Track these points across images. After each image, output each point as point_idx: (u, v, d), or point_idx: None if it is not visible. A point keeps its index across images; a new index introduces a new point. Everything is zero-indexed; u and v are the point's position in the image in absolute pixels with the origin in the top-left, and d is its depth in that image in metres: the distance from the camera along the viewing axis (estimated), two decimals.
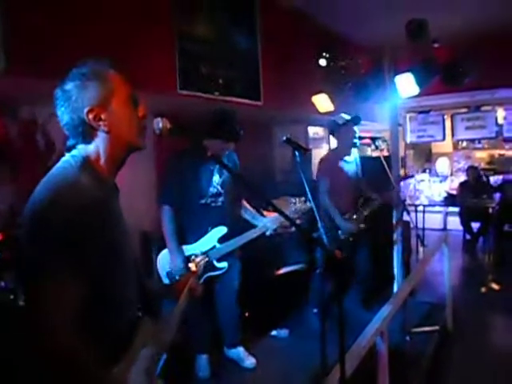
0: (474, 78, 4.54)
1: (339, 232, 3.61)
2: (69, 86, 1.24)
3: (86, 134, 1.25)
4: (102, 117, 1.25)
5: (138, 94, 1.39)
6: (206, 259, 2.62)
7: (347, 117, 3.79)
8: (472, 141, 9.69)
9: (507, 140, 9.21)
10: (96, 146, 1.27)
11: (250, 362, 3.21)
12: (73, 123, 1.24)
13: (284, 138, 2.41)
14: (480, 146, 9.82)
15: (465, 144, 9.87)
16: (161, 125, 1.39)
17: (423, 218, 7.74)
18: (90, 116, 1.23)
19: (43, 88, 3.19)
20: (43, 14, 2.89)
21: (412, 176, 6.13)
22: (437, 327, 3.66)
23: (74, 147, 1.29)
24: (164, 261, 2.93)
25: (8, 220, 2.79)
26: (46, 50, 2.97)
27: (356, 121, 3.76)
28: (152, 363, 1.33)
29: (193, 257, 2.66)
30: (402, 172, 9.39)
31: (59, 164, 1.26)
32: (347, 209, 3.73)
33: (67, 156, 1.27)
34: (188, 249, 2.92)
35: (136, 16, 3.43)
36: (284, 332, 3.72)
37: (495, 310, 4.47)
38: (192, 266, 1.93)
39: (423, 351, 3.32)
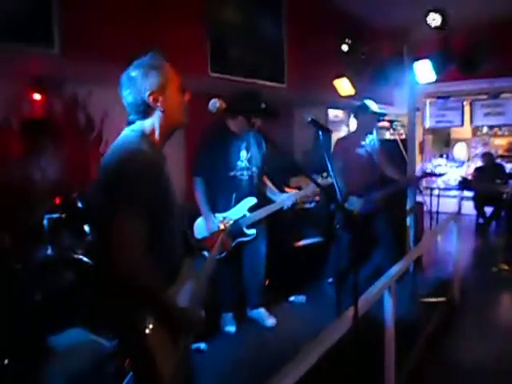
0: (491, 65, 4.71)
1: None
2: (134, 73, 1.56)
3: (145, 112, 1.57)
4: (160, 99, 1.56)
5: None
6: (232, 221, 2.92)
7: (375, 107, 3.96)
8: (492, 127, 9.75)
9: None
10: (152, 122, 1.59)
11: (270, 321, 3.55)
12: (135, 103, 1.56)
13: (309, 119, 2.65)
14: (500, 132, 9.88)
15: (485, 130, 9.93)
16: (217, 105, 1.69)
17: (438, 201, 7.94)
18: (151, 98, 1.55)
19: (86, 69, 3.54)
20: (89, 11, 3.22)
21: (440, 175, 6.11)
22: (444, 299, 3.94)
23: (133, 122, 1.61)
24: (199, 227, 3.27)
25: (59, 187, 3.14)
26: (92, 36, 3.29)
27: (380, 116, 3.98)
28: (194, 294, 1.66)
29: (221, 219, 2.99)
30: (418, 159, 9.56)
31: (122, 136, 1.59)
32: (360, 190, 3.94)
33: (127, 130, 1.60)
34: (220, 216, 3.25)
35: (171, 5, 3.72)
36: (301, 298, 4.05)
37: (503, 289, 4.71)
38: (221, 225, 2.25)
39: (429, 319, 3.61)
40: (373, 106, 3.97)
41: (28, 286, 2.51)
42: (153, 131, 1.58)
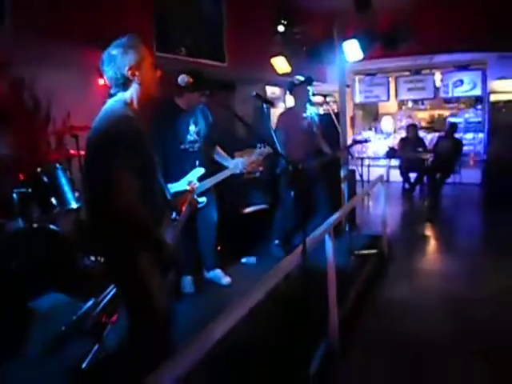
0: (411, 44, 5.27)
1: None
2: (114, 51, 1.85)
3: (125, 84, 1.87)
4: (137, 73, 1.87)
5: None
6: (197, 184, 3.23)
7: (302, 78, 4.41)
8: (416, 102, 10.61)
9: (446, 101, 10.21)
10: (131, 94, 1.89)
11: (226, 280, 3.90)
12: (116, 77, 1.85)
13: (254, 93, 2.97)
14: (423, 106, 10.77)
15: (410, 105, 10.78)
16: (186, 79, 1.98)
17: (368, 170, 8.68)
18: (129, 72, 1.85)
19: (34, 48, 3.62)
20: None
21: (367, 141, 6.70)
22: (375, 251, 4.51)
23: (115, 95, 1.91)
24: None
25: (17, 164, 3.27)
26: (41, 13, 3.39)
27: (309, 81, 4.39)
28: (174, 238, 1.99)
29: (189, 182, 3.28)
30: (350, 132, 10.23)
31: (108, 105, 1.87)
32: (300, 158, 4.35)
33: (112, 100, 1.89)
34: (173, 186, 3.52)
35: None
36: (252, 259, 4.43)
37: (423, 242, 5.42)
38: (189, 187, 2.56)
39: (363, 267, 4.15)
40: (299, 78, 4.41)
41: (3, 256, 2.68)
42: (132, 100, 1.89)
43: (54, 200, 3.08)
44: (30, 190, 2.94)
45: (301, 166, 3.96)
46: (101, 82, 4.47)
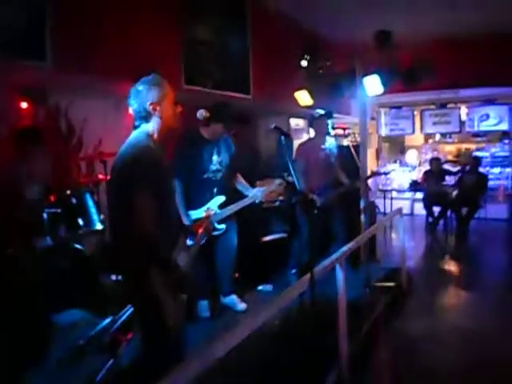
0: (434, 79, 5.36)
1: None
2: (140, 87, 2.06)
3: (147, 117, 2.08)
4: (158, 108, 2.07)
5: None
6: (215, 210, 3.36)
7: (322, 112, 4.57)
8: (443, 135, 10.59)
9: (474, 135, 10.16)
10: (152, 126, 2.09)
11: (241, 306, 3.97)
12: (139, 110, 2.06)
13: (272, 126, 3.11)
14: (450, 140, 10.73)
15: (437, 138, 10.76)
16: (204, 114, 2.15)
17: (391, 203, 8.65)
18: (151, 107, 2.05)
19: (72, 81, 3.90)
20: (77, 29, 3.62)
21: (386, 173, 6.64)
22: (392, 284, 4.49)
23: (138, 126, 2.11)
24: None
25: (50, 187, 3.48)
26: (77, 49, 3.68)
27: (329, 115, 4.55)
28: (187, 262, 2.10)
29: (206, 209, 3.42)
30: (374, 164, 10.27)
31: (133, 136, 2.08)
32: (318, 187, 4.45)
33: (136, 132, 2.10)
34: (194, 213, 3.67)
35: (151, 26, 4.17)
36: (268, 287, 4.50)
37: (444, 277, 5.34)
38: (206, 214, 2.69)
39: (380, 299, 4.13)
40: (319, 112, 4.57)
41: (31, 272, 2.84)
42: (153, 132, 2.09)
43: (80, 221, 3.27)
44: (59, 210, 3.14)
45: (311, 195, 4.07)
46: (129, 111, 4.75)
